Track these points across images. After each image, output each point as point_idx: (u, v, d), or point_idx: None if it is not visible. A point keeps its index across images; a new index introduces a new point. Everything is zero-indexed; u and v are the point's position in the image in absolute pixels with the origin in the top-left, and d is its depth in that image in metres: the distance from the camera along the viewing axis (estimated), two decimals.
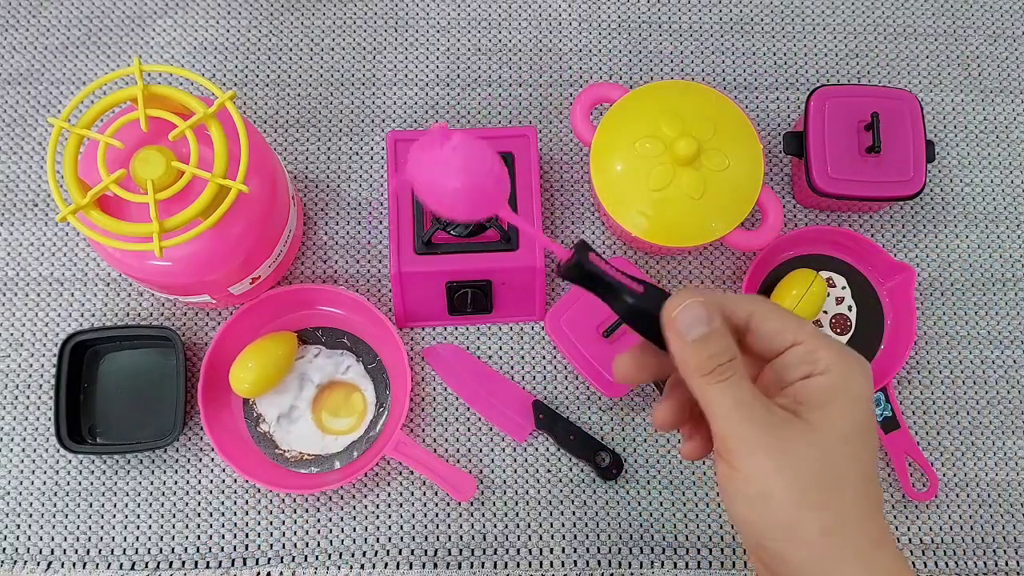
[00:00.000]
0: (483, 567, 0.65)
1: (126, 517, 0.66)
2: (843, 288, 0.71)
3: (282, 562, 0.65)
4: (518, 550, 0.66)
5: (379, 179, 0.73)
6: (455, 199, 0.43)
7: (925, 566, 0.66)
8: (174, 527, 0.66)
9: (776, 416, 0.39)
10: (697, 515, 0.67)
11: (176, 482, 0.67)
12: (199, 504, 0.66)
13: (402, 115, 0.74)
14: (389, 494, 0.67)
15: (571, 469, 0.67)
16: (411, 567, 0.65)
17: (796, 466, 0.38)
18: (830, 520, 0.38)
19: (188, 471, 0.67)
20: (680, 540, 0.66)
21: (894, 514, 0.68)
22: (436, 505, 0.66)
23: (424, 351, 0.69)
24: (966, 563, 0.67)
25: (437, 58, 0.76)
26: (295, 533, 0.66)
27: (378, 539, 0.66)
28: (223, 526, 0.66)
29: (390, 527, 0.66)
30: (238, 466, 0.64)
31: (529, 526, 0.66)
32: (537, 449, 0.68)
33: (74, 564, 0.65)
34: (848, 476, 0.39)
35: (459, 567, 0.65)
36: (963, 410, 0.70)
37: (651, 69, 0.76)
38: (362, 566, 0.65)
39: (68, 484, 0.67)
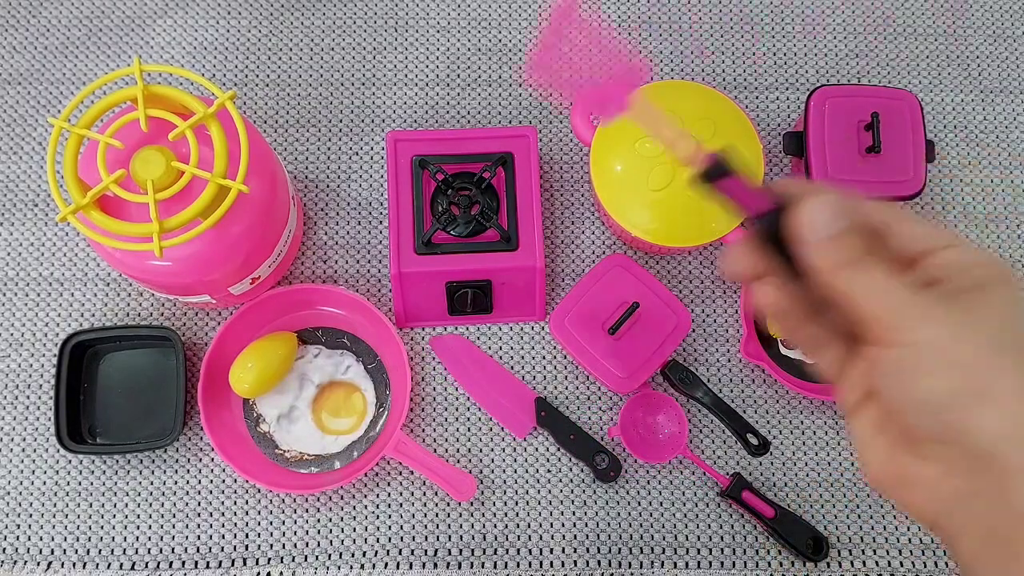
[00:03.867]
0: (483, 567, 0.65)
1: (126, 517, 0.66)
2: None
3: (282, 562, 0.65)
4: (518, 550, 0.66)
5: (379, 179, 0.73)
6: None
7: (925, 566, 0.66)
8: (174, 527, 0.66)
9: (936, 293, 0.37)
10: (697, 515, 0.67)
11: (176, 482, 0.67)
12: (199, 504, 0.66)
13: (402, 115, 0.74)
14: (389, 494, 0.67)
15: (571, 469, 0.67)
16: (411, 567, 0.65)
17: (977, 327, 0.36)
18: (1022, 385, 0.35)
19: (188, 471, 0.67)
20: (680, 540, 0.66)
21: (894, 514, 0.68)
22: (436, 505, 0.66)
23: (431, 340, 0.69)
24: None
25: (437, 58, 0.76)
26: (295, 533, 0.66)
27: (378, 539, 0.66)
28: (223, 526, 0.66)
29: (390, 527, 0.66)
30: (238, 466, 0.64)
31: (529, 526, 0.66)
32: (537, 449, 0.68)
33: (74, 564, 0.65)
34: None
35: (459, 567, 0.65)
36: None
37: (651, 69, 0.76)
38: (362, 566, 0.65)
39: (68, 484, 0.67)
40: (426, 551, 0.65)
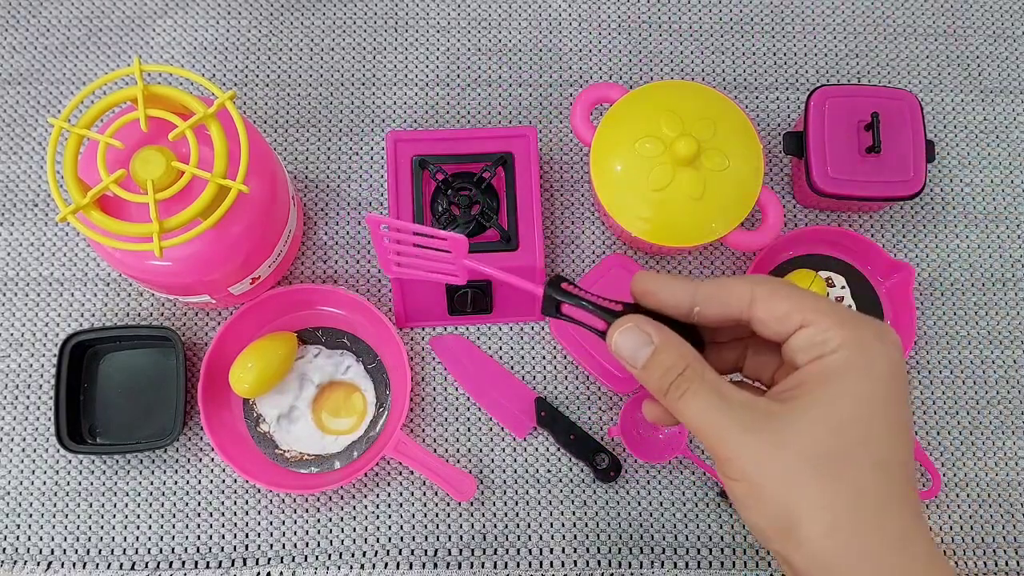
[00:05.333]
0: (483, 567, 0.65)
1: (126, 517, 0.66)
2: (842, 288, 0.71)
3: (282, 562, 0.65)
4: (518, 550, 0.66)
5: (379, 179, 0.73)
6: None
7: None
8: (174, 527, 0.66)
9: (759, 410, 0.36)
10: (697, 515, 0.67)
11: (176, 482, 0.67)
12: (199, 504, 0.66)
13: (402, 115, 0.74)
14: (389, 494, 0.67)
15: (571, 469, 0.67)
16: (411, 567, 0.65)
17: (784, 461, 0.34)
18: (832, 517, 0.34)
19: (188, 471, 0.67)
20: (680, 540, 0.66)
21: None
22: (436, 505, 0.66)
23: (431, 340, 0.69)
24: (966, 563, 0.67)
25: (437, 58, 0.76)
26: (295, 533, 0.66)
27: (378, 539, 0.66)
28: (223, 526, 0.66)
29: (390, 527, 0.66)
30: (238, 466, 0.64)
31: (529, 526, 0.66)
32: (537, 449, 0.68)
33: (74, 564, 0.65)
34: (858, 462, 0.34)
35: (459, 567, 0.65)
36: (963, 410, 0.70)
37: (651, 69, 0.76)
38: (362, 566, 0.65)
39: (68, 484, 0.67)
40: (426, 551, 0.65)
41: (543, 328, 0.70)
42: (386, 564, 0.65)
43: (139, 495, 0.66)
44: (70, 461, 0.67)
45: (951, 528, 0.67)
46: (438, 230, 0.49)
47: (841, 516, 0.34)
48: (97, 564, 0.65)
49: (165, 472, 0.67)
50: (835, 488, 0.34)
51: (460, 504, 0.66)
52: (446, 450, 0.68)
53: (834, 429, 0.35)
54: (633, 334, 0.38)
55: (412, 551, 0.65)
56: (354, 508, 0.66)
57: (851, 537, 0.34)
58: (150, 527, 0.66)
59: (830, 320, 0.36)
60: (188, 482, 0.67)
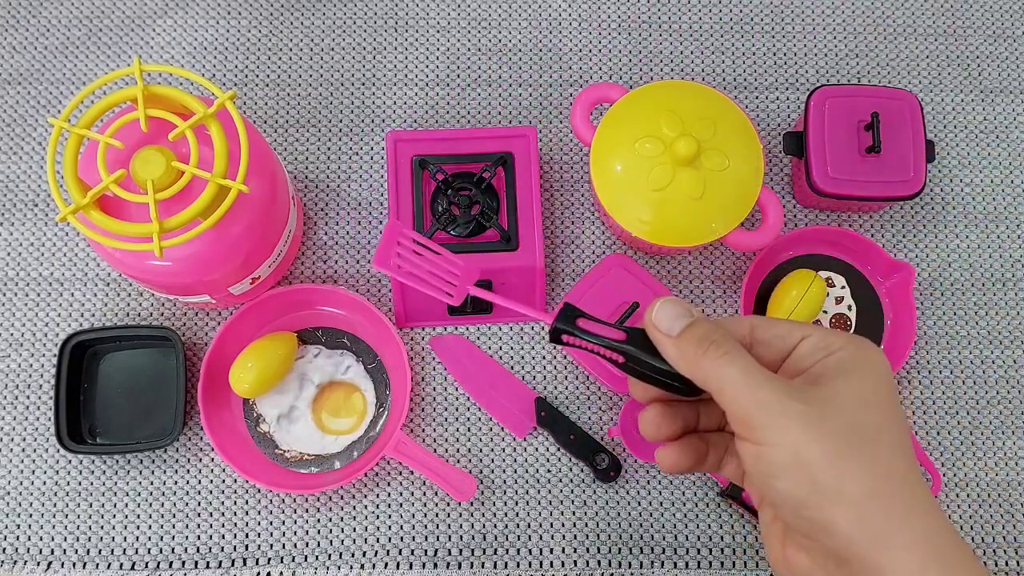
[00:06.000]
0: (483, 567, 0.65)
1: (126, 517, 0.66)
2: (843, 288, 0.71)
3: (282, 562, 0.65)
4: (518, 550, 0.66)
5: (379, 179, 0.73)
6: None
7: None
8: (174, 527, 0.66)
9: (794, 385, 0.38)
10: (697, 515, 0.67)
11: (176, 482, 0.67)
12: (199, 504, 0.66)
13: (402, 115, 0.74)
14: (389, 494, 0.67)
15: (571, 469, 0.67)
16: (411, 567, 0.65)
17: (826, 427, 0.36)
18: (871, 481, 0.36)
19: (188, 471, 0.67)
20: (680, 540, 0.66)
21: None
22: (436, 505, 0.66)
23: (431, 340, 0.69)
24: None
25: (437, 58, 0.76)
26: (295, 533, 0.66)
27: (378, 539, 0.66)
28: (223, 526, 0.66)
29: (390, 527, 0.66)
30: (238, 466, 0.64)
31: (529, 526, 0.66)
32: (537, 449, 0.68)
33: (74, 564, 0.65)
34: (881, 440, 0.37)
35: (459, 567, 0.65)
36: (963, 410, 0.70)
37: (651, 69, 0.76)
38: (362, 566, 0.65)
39: (68, 484, 0.67)
40: (426, 551, 0.65)
41: (543, 328, 0.70)
42: (386, 564, 0.65)
43: (139, 495, 0.66)
44: (70, 461, 0.67)
45: None
46: (454, 255, 0.51)
47: (879, 482, 0.37)
48: (97, 564, 0.65)
49: (165, 472, 0.67)
50: (869, 459, 0.37)
51: (460, 504, 0.66)
52: (446, 450, 0.68)
53: (862, 407, 0.38)
54: (674, 305, 0.40)
55: (412, 551, 0.65)
56: (354, 508, 0.66)
57: (890, 500, 0.36)
58: (150, 527, 0.66)
59: (826, 331, 0.40)
60: (188, 482, 0.67)
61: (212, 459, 0.67)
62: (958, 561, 0.36)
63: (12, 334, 0.69)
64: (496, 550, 0.66)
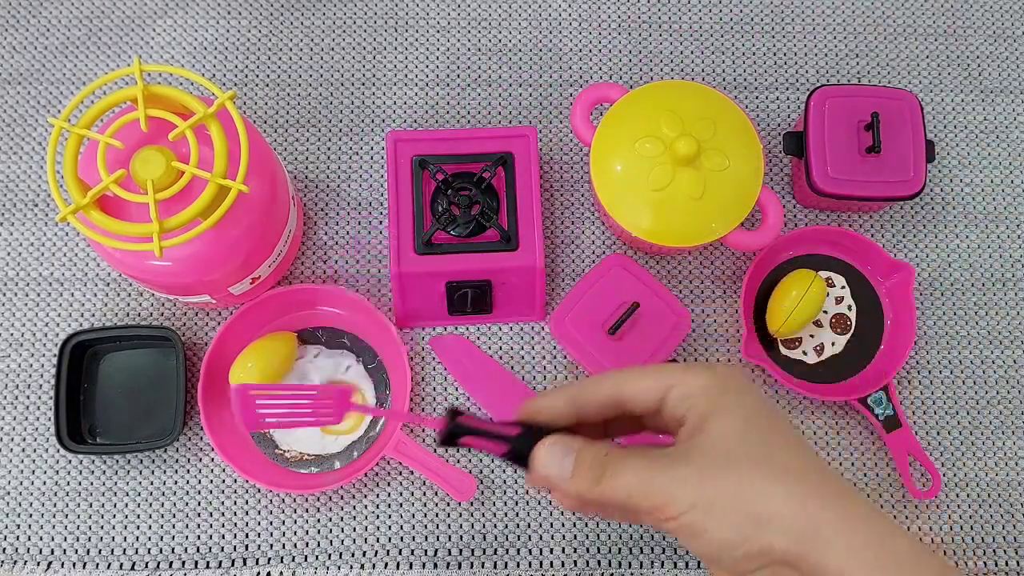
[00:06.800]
0: (483, 567, 0.65)
1: (126, 517, 0.66)
2: (843, 288, 0.71)
3: (282, 562, 0.65)
4: (518, 550, 0.66)
5: (379, 179, 0.73)
6: None
7: None
8: (174, 527, 0.66)
9: (674, 451, 0.41)
10: None
11: (176, 482, 0.67)
12: (199, 504, 0.66)
13: (402, 115, 0.74)
14: (389, 494, 0.67)
15: None
16: (411, 567, 0.65)
17: (719, 472, 0.39)
18: (786, 489, 0.39)
19: (188, 471, 0.67)
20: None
21: (894, 513, 0.68)
22: (436, 505, 0.66)
23: (431, 340, 0.69)
24: (966, 563, 0.67)
25: (437, 58, 0.76)
26: (295, 533, 0.66)
27: (378, 539, 0.66)
28: (223, 526, 0.66)
29: (390, 527, 0.66)
30: (238, 466, 0.64)
31: (529, 526, 0.66)
32: None
33: (74, 564, 0.65)
34: (772, 454, 0.40)
35: (459, 567, 0.65)
36: (963, 410, 0.70)
37: (651, 69, 0.76)
38: (362, 566, 0.65)
39: (68, 484, 0.67)
40: (426, 551, 0.65)
41: (543, 328, 0.70)
42: (386, 564, 0.65)
43: (139, 495, 0.66)
44: (70, 461, 0.67)
45: (951, 528, 0.68)
46: (323, 388, 0.54)
47: (795, 487, 0.39)
48: (97, 564, 0.65)
49: (165, 472, 0.67)
50: (770, 467, 0.39)
51: (460, 504, 0.66)
52: (446, 450, 0.68)
53: (740, 438, 0.40)
54: (553, 446, 0.43)
55: (412, 551, 0.65)
56: (354, 508, 0.66)
57: (816, 501, 0.39)
58: (150, 527, 0.66)
59: (685, 373, 0.43)
60: (188, 482, 0.67)
61: (212, 459, 0.67)
62: (884, 529, 0.39)
63: (12, 334, 0.69)
64: (496, 550, 0.66)
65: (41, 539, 0.65)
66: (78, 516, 0.66)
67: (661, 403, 0.43)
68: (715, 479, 0.39)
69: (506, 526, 0.66)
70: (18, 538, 0.65)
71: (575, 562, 0.66)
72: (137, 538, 0.66)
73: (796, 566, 0.39)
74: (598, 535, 0.66)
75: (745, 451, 0.40)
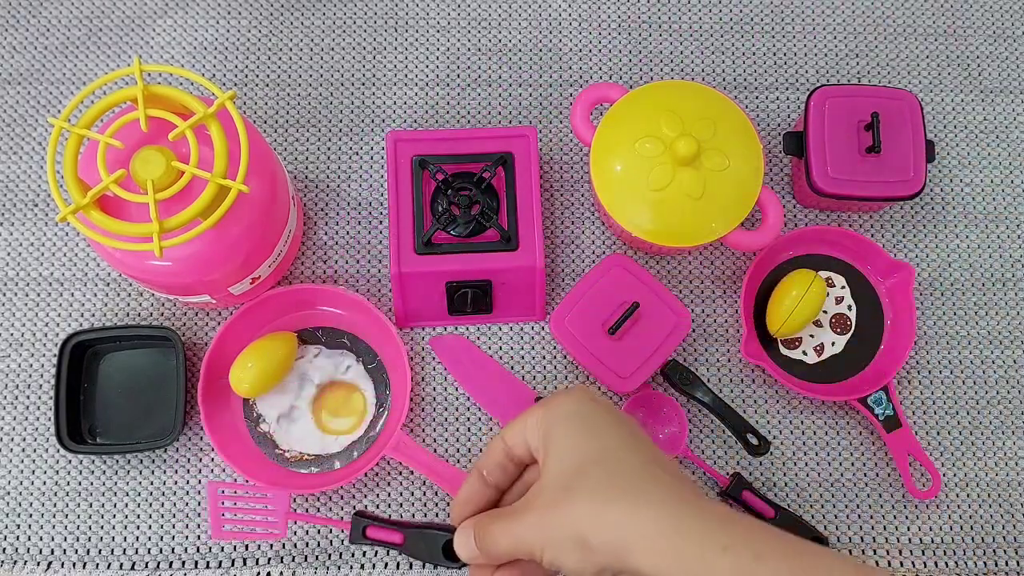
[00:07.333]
0: None
1: (126, 517, 0.66)
2: (843, 288, 0.71)
3: (282, 562, 0.65)
4: None
5: (379, 179, 0.73)
6: None
7: (925, 566, 0.66)
8: (174, 527, 0.66)
9: (522, 503, 0.43)
10: None
11: (176, 482, 0.67)
12: (199, 504, 0.66)
13: (402, 115, 0.74)
14: (389, 494, 0.67)
15: None
16: (411, 567, 0.65)
17: (562, 505, 0.41)
18: (629, 504, 0.40)
19: (188, 471, 0.67)
20: None
21: (894, 514, 0.68)
22: (436, 505, 0.66)
23: (431, 340, 0.69)
24: (966, 563, 0.67)
25: (437, 58, 0.76)
26: (295, 533, 0.66)
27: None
28: None
29: None
30: (238, 466, 0.64)
31: None
32: None
33: (74, 564, 0.65)
34: (604, 464, 0.41)
35: (459, 567, 0.65)
36: (963, 410, 0.70)
37: (651, 69, 0.76)
38: (362, 566, 0.65)
39: (68, 484, 0.67)
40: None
41: (543, 328, 0.70)
42: (386, 564, 0.65)
43: (139, 495, 0.66)
44: (70, 461, 0.67)
45: (951, 528, 0.68)
46: (266, 489, 0.61)
47: (618, 503, 0.40)
48: (97, 564, 0.65)
49: (165, 472, 0.67)
50: (604, 488, 0.41)
51: None
52: (446, 450, 0.68)
53: (575, 461, 0.42)
54: (461, 532, 0.45)
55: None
56: (354, 508, 0.66)
57: (627, 509, 0.40)
58: (150, 527, 0.66)
59: (527, 415, 0.45)
60: (188, 482, 0.67)
61: (212, 459, 0.67)
62: (702, 510, 0.40)
63: (12, 334, 0.69)
64: None
65: (41, 539, 0.65)
66: (78, 516, 0.66)
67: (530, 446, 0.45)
68: (552, 517, 0.41)
69: None
70: (18, 538, 0.65)
71: None
72: (137, 538, 0.66)
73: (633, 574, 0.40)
74: None
75: (579, 482, 0.41)
